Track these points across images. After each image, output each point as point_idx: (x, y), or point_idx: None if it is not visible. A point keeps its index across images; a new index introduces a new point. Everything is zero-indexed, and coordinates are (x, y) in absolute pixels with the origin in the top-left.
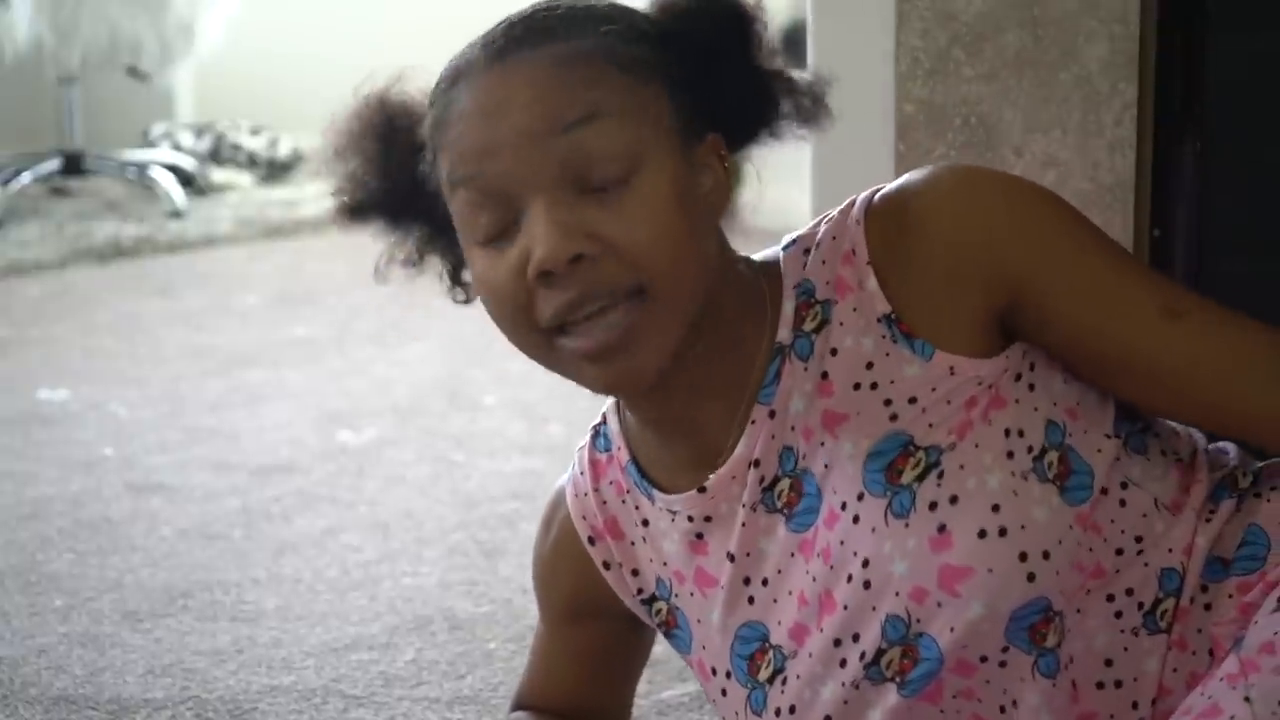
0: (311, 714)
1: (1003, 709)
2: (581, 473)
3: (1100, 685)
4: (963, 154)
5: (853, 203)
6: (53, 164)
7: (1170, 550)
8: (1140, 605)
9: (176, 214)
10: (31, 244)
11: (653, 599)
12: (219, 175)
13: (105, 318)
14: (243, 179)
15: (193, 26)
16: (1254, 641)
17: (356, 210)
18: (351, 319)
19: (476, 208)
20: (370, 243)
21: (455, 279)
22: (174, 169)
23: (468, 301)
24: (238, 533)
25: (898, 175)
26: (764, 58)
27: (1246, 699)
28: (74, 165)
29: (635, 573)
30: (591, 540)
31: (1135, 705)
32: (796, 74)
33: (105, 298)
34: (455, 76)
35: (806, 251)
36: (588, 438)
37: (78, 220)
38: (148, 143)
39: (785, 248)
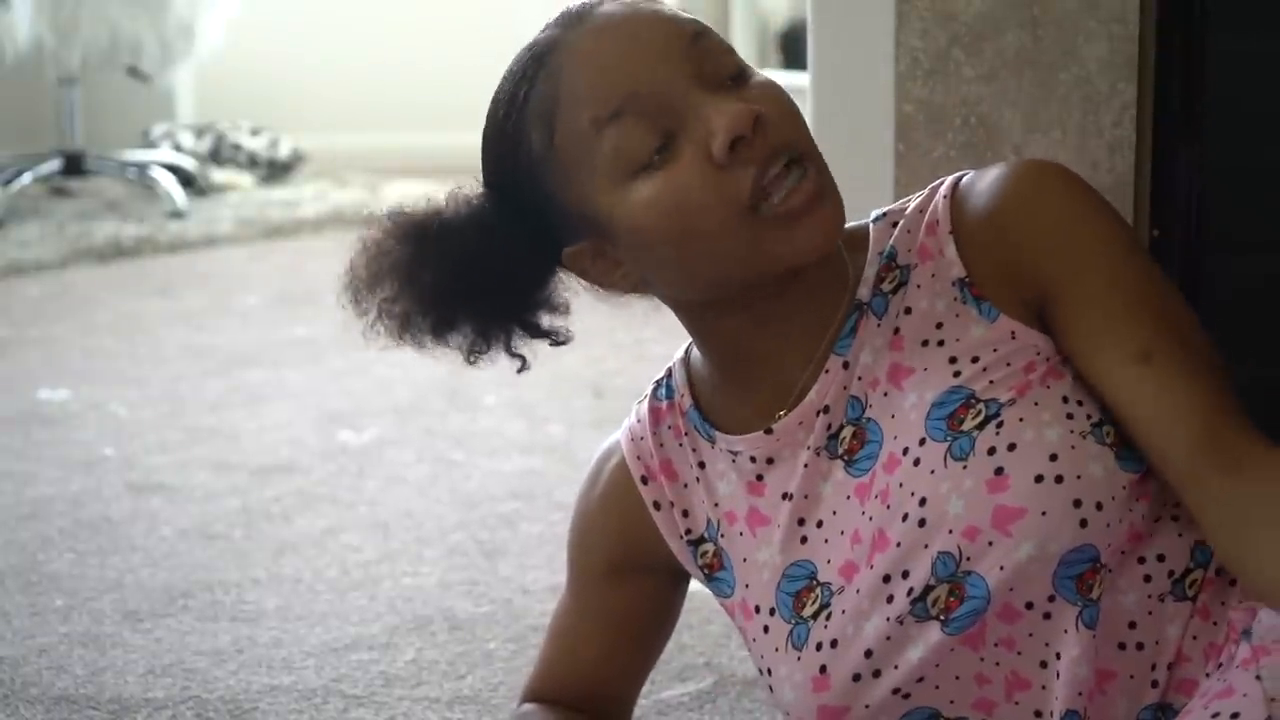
0: (311, 714)
1: (1043, 664)
2: (639, 420)
3: (1122, 646)
4: (963, 154)
5: (941, 182)
6: (53, 164)
7: None
8: (1170, 573)
9: (177, 214)
10: (31, 244)
11: (700, 540)
12: (219, 175)
13: (105, 318)
14: (243, 179)
15: (193, 27)
16: (1265, 630)
17: (404, 330)
18: (351, 319)
19: (636, 134)
20: None
21: (517, 344)
22: (174, 169)
23: (562, 343)
24: (238, 533)
25: (898, 175)
26: None
27: (1258, 678)
28: (74, 165)
29: (686, 514)
30: (645, 480)
31: (1153, 667)
32: None
33: (105, 298)
34: (544, 53)
35: (894, 224)
36: (648, 391)
37: (78, 220)
38: (148, 143)
39: (875, 220)
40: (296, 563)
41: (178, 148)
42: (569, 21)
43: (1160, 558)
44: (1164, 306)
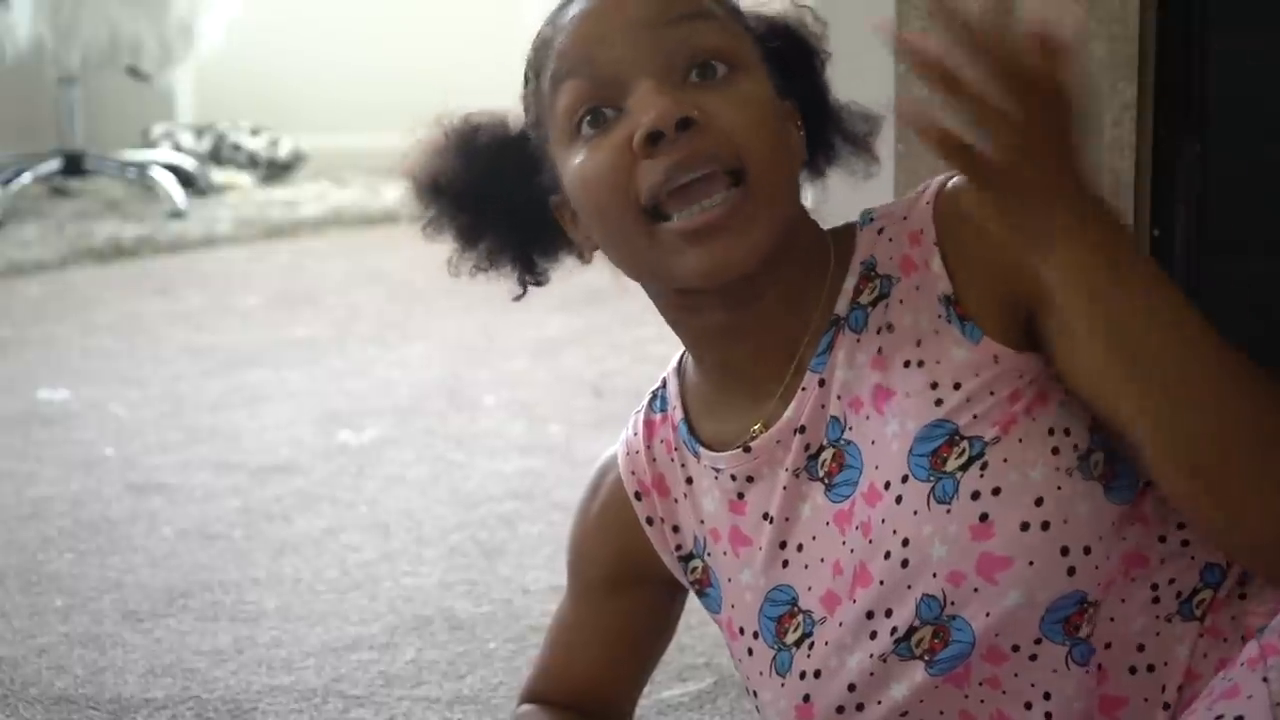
0: (311, 714)
1: (1028, 705)
2: (635, 433)
3: (1132, 670)
4: None
5: (928, 185)
6: (53, 164)
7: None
8: (1179, 594)
9: (177, 214)
10: (31, 244)
11: (690, 556)
12: (219, 175)
13: (105, 318)
14: (243, 179)
15: (193, 27)
16: (1276, 626)
17: (434, 201)
18: (351, 319)
19: (582, 99)
20: (369, 245)
21: (524, 276)
22: (174, 169)
23: (539, 284)
24: (238, 533)
25: (898, 175)
26: (824, 89)
27: (1265, 679)
28: (74, 165)
29: (676, 529)
30: (638, 495)
31: (1163, 689)
32: (849, 111)
33: (105, 298)
34: (565, 4)
35: (880, 230)
36: (644, 401)
37: (78, 220)
38: (148, 143)
39: (863, 224)
40: (296, 563)
41: (178, 148)
42: None
43: (1171, 581)
44: (1183, 300)
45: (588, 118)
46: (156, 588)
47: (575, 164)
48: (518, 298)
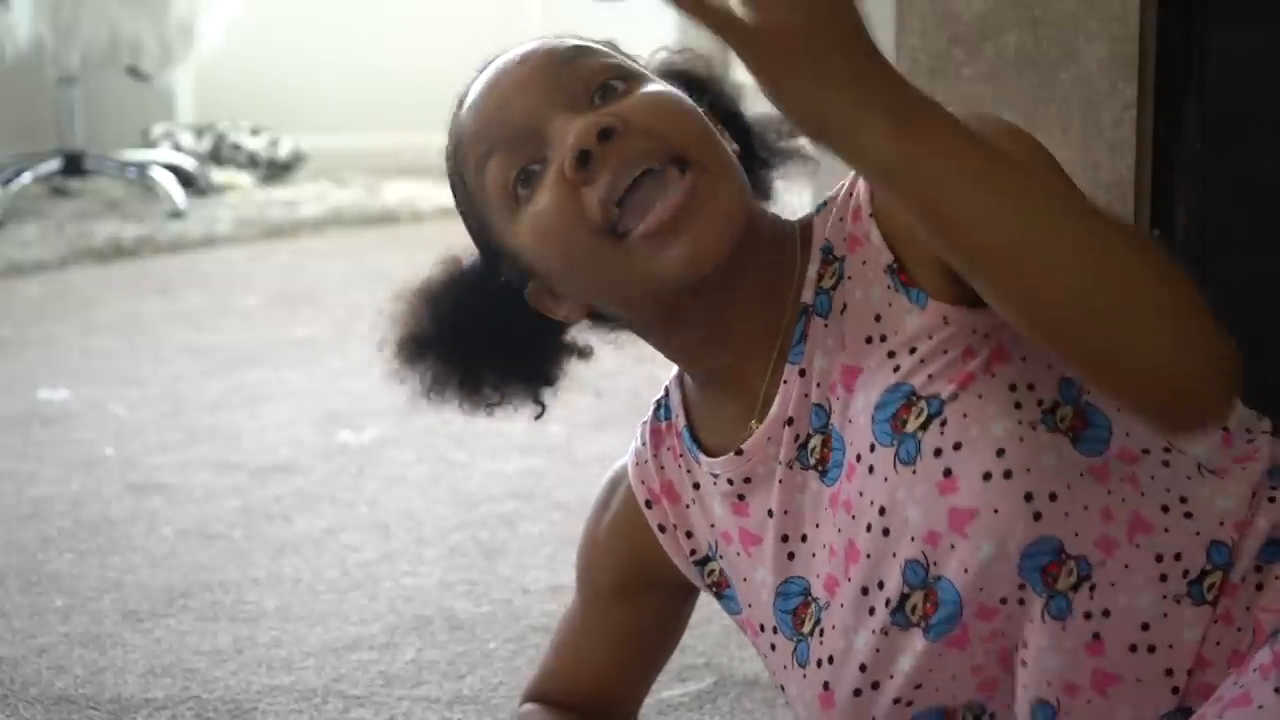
0: (311, 714)
1: (1015, 647)
2: (643, 442)
3: (1132, 648)
4: None
5: None
6: (53, 164)
7: (1222, 523)
8: (1186, 573)
9: (177, 214)
10: (31, 244)
11: (706, 560)
12: (219, 175)
13: (105, 318)
14: (243, 179)
15: (193, 27)
16: None
17: (442, 392)
18: (351, 319)
19: (508, 166)
20: (369, 245)
21: (537, 395)
22: (174, 169)
23: (541, 414)
24: (238, 533)
25: None
26: (734, 108)
27: (1277, 690)
28: (74, 165)
29: (689, 535)
30: (649, 504)
31: (1170, 672)
32: (762, 122)
33: (105, 298)
34: (461, 98)
35: (832, 211)
36: (650, 411)
37: (78, 220)
38: (148, 143)
39: (817, 210)
40: (296, 563)
41: (178, 148)
42: (481, 66)
43: (1177, 556)
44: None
45: (520, 179)
46: (156, 588)
47: (526, 223)
48: (538, 416)
